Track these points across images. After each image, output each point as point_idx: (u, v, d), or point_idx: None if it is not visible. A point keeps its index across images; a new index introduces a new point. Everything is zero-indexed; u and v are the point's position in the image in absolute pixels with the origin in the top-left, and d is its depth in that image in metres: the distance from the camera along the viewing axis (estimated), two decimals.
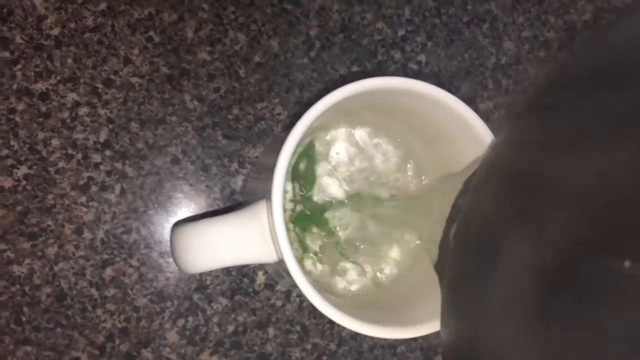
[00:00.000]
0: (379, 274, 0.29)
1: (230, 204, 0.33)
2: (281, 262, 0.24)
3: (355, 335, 0.34)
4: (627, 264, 0.10)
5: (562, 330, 0.12)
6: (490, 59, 0.37)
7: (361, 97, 0.26)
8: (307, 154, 0.28)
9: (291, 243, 0.23)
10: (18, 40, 0.32)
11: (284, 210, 0.27)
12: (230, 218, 0.25)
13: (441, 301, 0.20)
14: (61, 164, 0.32)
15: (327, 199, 0.28)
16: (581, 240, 0.12)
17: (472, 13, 0.37)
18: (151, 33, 0.33)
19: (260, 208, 0.25)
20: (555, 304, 0.12)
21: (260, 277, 0.33)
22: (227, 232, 0.25)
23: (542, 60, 0.38)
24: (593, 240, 0.11)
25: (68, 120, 0.32)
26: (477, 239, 0.17)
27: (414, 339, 0.34)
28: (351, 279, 0.29)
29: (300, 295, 0.33)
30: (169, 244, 0.32)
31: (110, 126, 0.33)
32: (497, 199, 0.16)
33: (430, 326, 0.25)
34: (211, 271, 0.33)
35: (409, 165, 0.29)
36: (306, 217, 0.28)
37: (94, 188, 0.32)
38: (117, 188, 0.32)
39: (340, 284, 0.29)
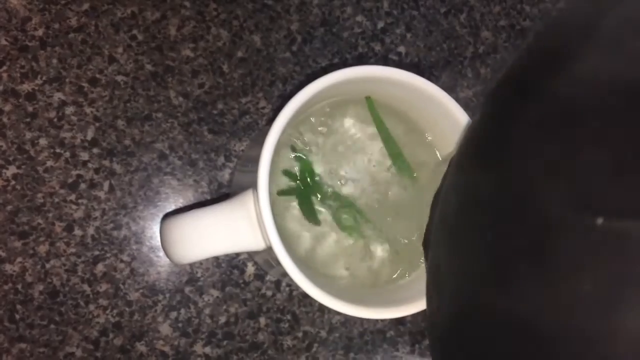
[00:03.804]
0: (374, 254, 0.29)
1: (218, 197, 0.34)
2: (270, 250, 0.25)
3: (345, 322, 0.35)
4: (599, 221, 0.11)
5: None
6: (468, 48, 0.38)
7: (342, 88, 0.27)
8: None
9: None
10: (3, 42, 0.32)
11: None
12: (218, 208, 0.26)
13: (426, 278, 0.21)
14: (49, 163, 0.32)
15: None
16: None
17: (450, 4, 0.38)
18: (135, 31, 0.34)
19: (247, 197, 0.25)
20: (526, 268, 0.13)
21: (250, 268, 0.34)
22: (216, 221, 0.25)
23: (519, 49, 0.39)
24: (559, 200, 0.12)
25: (55, 120, 0.33)
26: (455, 216, 0.18)
27: (403, 324, 0.35)
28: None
29: (290, 284, 0.34)
30: (158, 238, 0.33)
31: (97, 124, 0.33)
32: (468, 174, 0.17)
33: (418, 305, 0.25)
34: (201, 264, 0.33)
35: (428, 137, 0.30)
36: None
37: (82, 186, 0.33)
38: (106, 185, 0.33)
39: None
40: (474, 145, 0.17)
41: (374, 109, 0.28)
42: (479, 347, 0.15)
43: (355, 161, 0.29)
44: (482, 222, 0.15)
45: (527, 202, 0.13)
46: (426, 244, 0.22)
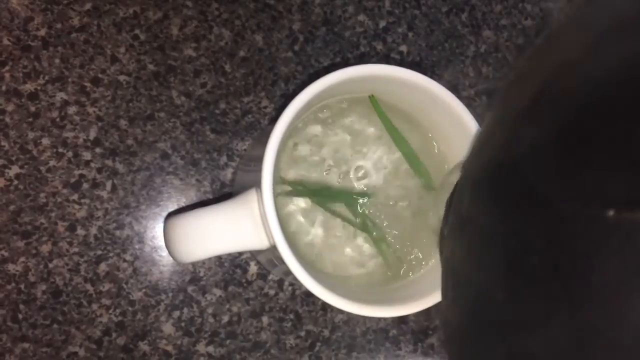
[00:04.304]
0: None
1: (221, 196, 0.34)
2: (273, 249, 0.25)
3: (348, 321, 0.35)
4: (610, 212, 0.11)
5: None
6: (470, 47, 0.38)
7: (345, 87, 0.27)
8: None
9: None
10: (5, 42, 0.32)
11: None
12: (221, 207, 0.26)
13: (441, 274, 0.21)
14: (52, 163, 0.32)
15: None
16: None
17: (451, 3, 0.38)
18: (137, 31, 0.34)
19: (251, 196, 0.25)
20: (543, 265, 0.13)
21: (253, 268, 0.34)
22: (219, 220, 0.25)
23: (521, 48, 0.39)
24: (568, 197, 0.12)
25: (57, 120, 0.33)
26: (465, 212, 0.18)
27: (405, 323, 0.35)
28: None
29: (293, 283, 0.34)
30: (161, 237, 0.33)
31: (100, 124, 0.33)
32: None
33: (421, 304, 0.25)
34: (204, 263, 0.33)
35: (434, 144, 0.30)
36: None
37: (85, 185, 0.33)
38: (109, 184, 0.33)
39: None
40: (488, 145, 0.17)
41: (380, 108, 0.28)
42: (492, 340, 0.15)
43: (357, 161, 0.29)
44: (493, 218, 0.15)
45: (536, 196, 0.13)
46: (441, 238, 0.22)
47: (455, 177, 0.23)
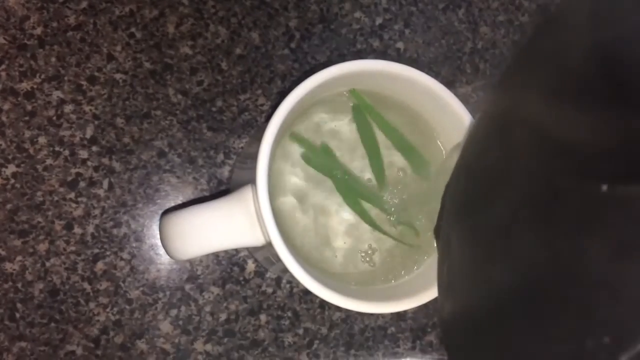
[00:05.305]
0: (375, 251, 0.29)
1: (218, 194, 0.34)
2: (270, 246, 0.25)
3: (346, 319, 0.35)
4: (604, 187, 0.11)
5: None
6: (467, 44, 0.38)
7: (341, 83, 0.27)
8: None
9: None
10: (1, 40, 0.32)
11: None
12: (217, 204, 0.26)
13: (437, 260, 0.21)
14: (49, 161, 0.32)
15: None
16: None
17: None
18: (133, 29, 0.34)
19: (246, 193, 0.25)
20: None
21: (250, 266, 0.34)
22: (215, 217, 0.25)
23: (518, 44, 0.38)
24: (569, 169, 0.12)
25: (54, 118, 0.33)
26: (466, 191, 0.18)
27: (404, 320, 0.35)
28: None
29: (291, 281, 0.34)
30: (158, 236, 0.33)
31: (96, 122, 0.33)
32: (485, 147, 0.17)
33: (419, 299, 0.25)
34: (201, 261, 0.33)
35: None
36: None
37: (82, 184, 0.33)
38: (105, 183, 0.33)
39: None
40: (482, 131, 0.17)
41: (363, 100, 0.28)
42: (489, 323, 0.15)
43: (358, 153, 0.29)
44: (487, 195, 0.15)
45: (530, 173, 0.13)
46: (437, 230, 0.22)
47: (453, 161, 0.23)
